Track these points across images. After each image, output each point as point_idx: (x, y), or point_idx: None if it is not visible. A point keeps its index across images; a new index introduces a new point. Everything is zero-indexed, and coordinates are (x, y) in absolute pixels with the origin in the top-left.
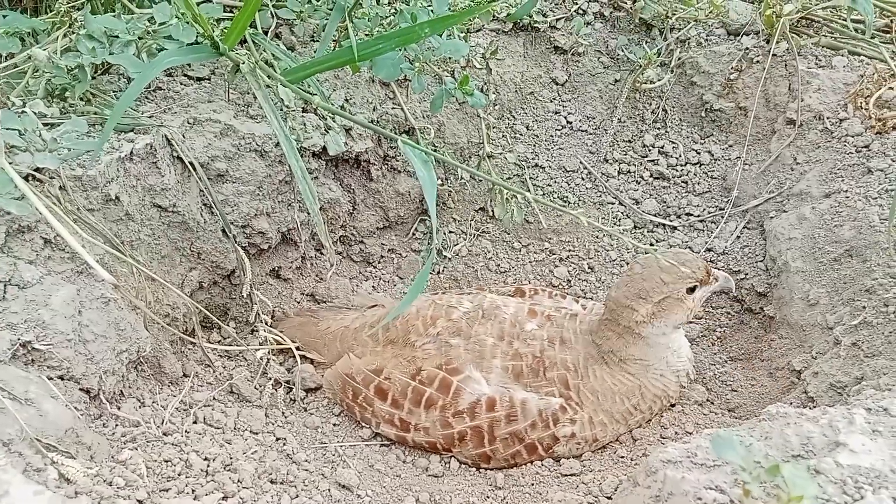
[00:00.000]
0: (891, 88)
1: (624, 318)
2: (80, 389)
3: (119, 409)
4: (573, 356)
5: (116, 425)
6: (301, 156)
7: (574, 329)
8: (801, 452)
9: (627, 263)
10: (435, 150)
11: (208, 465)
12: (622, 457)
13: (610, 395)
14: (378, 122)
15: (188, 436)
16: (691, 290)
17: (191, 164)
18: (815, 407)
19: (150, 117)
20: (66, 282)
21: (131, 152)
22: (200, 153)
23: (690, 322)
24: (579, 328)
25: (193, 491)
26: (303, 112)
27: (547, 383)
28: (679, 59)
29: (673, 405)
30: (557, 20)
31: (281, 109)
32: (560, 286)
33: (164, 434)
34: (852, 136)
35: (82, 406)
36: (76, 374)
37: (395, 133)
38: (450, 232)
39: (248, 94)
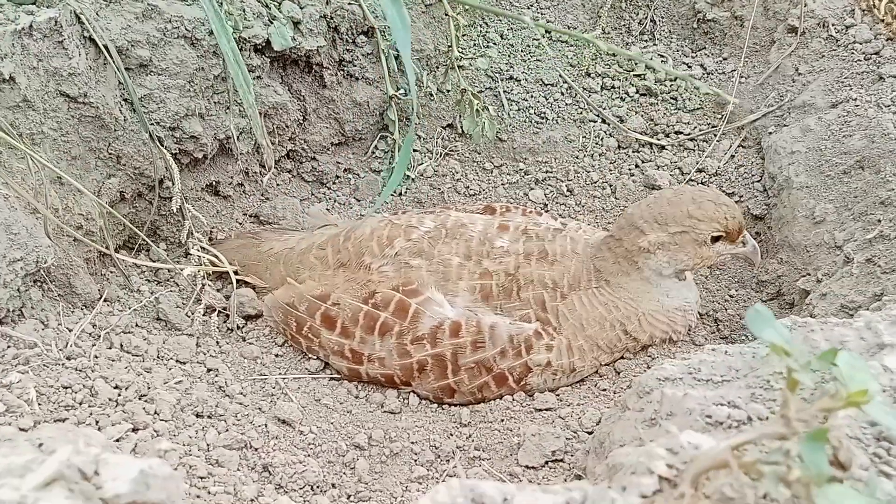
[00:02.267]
0: None
1: (629, 239)
2: None
3: (14, 328)
4: (556, 273)
5: (8, 346)
6: (240, 49)
7: (563, 245)
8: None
9: (611, 186)
10: (397, 56)
11: (119, 394)
12: (604, 390)
13: (598, 321)
14: (332, 18)
15: (97, 361)
16: (715, 240)
17: (105, 47)
18: None
19: None
20: None
21: (30, 26)
22: (117, 35)
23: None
24: (571, 244)
25: (97, 421)
26: None
27: (521, 304)
28: None
29: (674, 341)
30: None
31: None
32: (536, 209)
33: (67, 358)
34: (860, 44)
35: None
36: None
37: (352, 34)
38: (414, 150)
39: None
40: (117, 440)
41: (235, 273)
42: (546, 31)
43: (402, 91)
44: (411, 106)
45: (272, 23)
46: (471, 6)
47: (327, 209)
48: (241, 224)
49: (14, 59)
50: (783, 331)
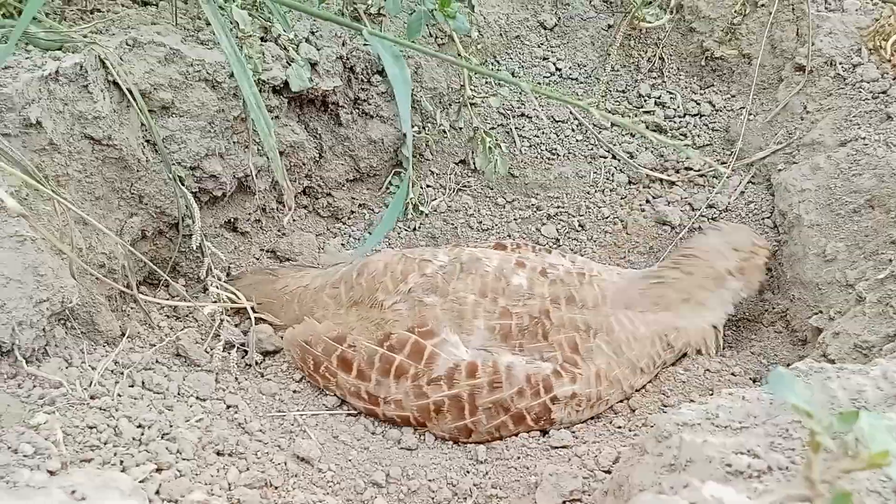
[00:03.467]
0: None
1: (701, 268)
2: None
3: (39, 368)
4: (587, 317)
5: (34, 386)
6: (260, 91)
7: (593, 293)
8: (851, 409)
9: (622, 221)
10: (412, 95)
11: (142, 434)
12: (619, 427)
13: (638, 341)
14: (348, 59)
15: (120, 400)
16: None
17: (129, 90)
18: None
19: (83, 36)
20: None
21: (57, 71)
22: (141, 79)
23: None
24: (600, 291)
25: (122, 461)
26: (262, 41)
27: (548, 346)
28: (678, 2)
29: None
30: None
31: (236, 36)
32: (548, 246)
33: (91, 397)
34: (868, 82)
35: None
36: None
37: (367, 74)
38: (427, 186)
39: (200, 18)
40: (142, 481)
41: (253, 310)
42: (544, 95)
43: (415, 128)
44: (406, 158)
45: (290, 65)
46: (477, 71)
47: (342, 244)
48: (258, 259)
49: (41, 103)
50: (805, 392)
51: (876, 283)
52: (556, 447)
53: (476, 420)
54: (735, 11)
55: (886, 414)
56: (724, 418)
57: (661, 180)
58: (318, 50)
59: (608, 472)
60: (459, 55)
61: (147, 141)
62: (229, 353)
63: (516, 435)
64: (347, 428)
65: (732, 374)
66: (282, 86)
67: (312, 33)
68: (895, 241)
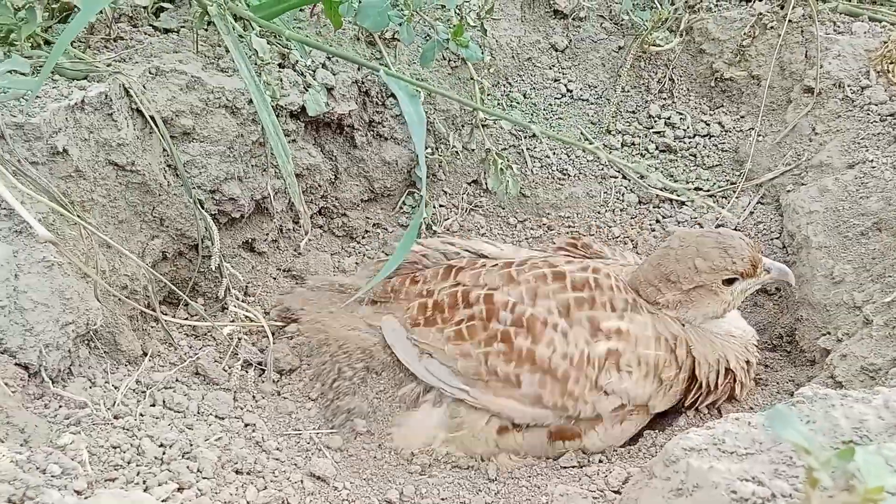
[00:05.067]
0: None
1: (649, 295)
2: (16, 364)
3: (64, 388)
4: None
5: (60, 406)
6: (277, 116)
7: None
8: (853, 437)
9: (632, 241)
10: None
11: (164, 453)
12: (628, 447)
13: (644, 338)
14: (363, 83)
15: (142, 419)
16: (729, 283)
17: (151, 118)
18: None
19: (107, 65)
20: (1, 241)
21: (83, 101)
22: (163, 107)
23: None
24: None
25: (144, 481)
26: (280, 68)
27: None
28: (688, 24)
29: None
30: None
31: (255, 63)
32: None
33: (115, 417)
34: (876, 105)
35: (17, 384)
36: (11, 347)
37: (382, 97)
38: (440, 206)
39: (220, 46)
40: (165, 500)
41: (271, 329)
42: (555, 139)
43: (429, 150)
44: (420, 178)
45: (307, 90)
46: (490, 113)
47: (356, 263)
48: (274, 278)
49: (67, 132)
50: (803, 430)
51: (883, 306)
52: (566, 467)
53: None
54: (744, 34)
55: (887, 444)
56: (730, 444)
57: (670, 200)
58: (335, 75)
59: (618, 492)
60: (472, 78)
61: (168, 165)
62: (247, 372)
63: None
64: (362, 446)
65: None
66: (299, 110)
67: (329, 58)
68: None
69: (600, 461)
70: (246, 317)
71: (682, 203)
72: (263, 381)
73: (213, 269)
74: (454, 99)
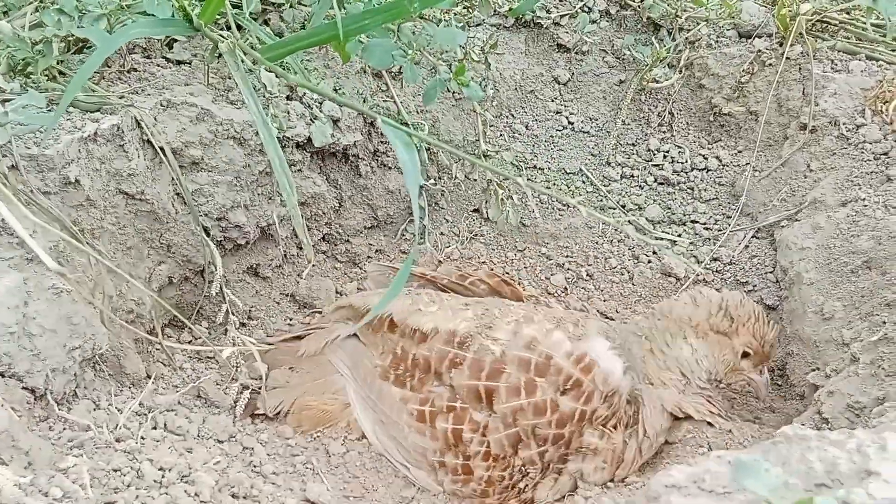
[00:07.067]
0: None
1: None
2: (23, 388)
3: (69, 411)
4: None
5: (64, 429)
6: (284, 146)
7: None
8: (825, 481)
9: (629, 272)
10: (428, 148)
11: (163, 476)
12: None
13: None
14: (368, 115)
15: (143, 443)
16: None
17: (161, 149)
18: (830, 429)
19: (120, 97)
20: (12, 269)
21: (95, 133)
22: (173, 138)
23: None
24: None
25: None
26: (287, 100)
27: None
28: (688, 60)
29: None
30: (561, 17)
31: (263, 96)
32: (555, 294)
33: (117, 440)
34: (870, 143)
35: (24, 407)
36: (18, 371)
37: None
38: (441, 234)
39: (230, 78)
40: None
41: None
42: (541, 192)
43: (431, 180)
44: (420, 216)
45: (314, 122)
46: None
47: (357, 289)
48: (277, 303)
49: (80, 163)
50: (768, 480)
51: (870, 344)
52: (556, 500)
53: None
54: (743, 70)
55: (854, 489)
56: (710, 483)
57: (667, 233)
58: (340, 107)
59: None
60: (474, 111)
61: (177, 194)
62: (247, 396)
63: None
64: (358, 472)
65: (727, 430)
66: (305, 141)
67: (336, 90)
68: (889, 304)
69: (587, 498)
70: (243, 342)
71: (679, 235)
72: (258, 409)
73: (214, 294)
74: (453, 153)
